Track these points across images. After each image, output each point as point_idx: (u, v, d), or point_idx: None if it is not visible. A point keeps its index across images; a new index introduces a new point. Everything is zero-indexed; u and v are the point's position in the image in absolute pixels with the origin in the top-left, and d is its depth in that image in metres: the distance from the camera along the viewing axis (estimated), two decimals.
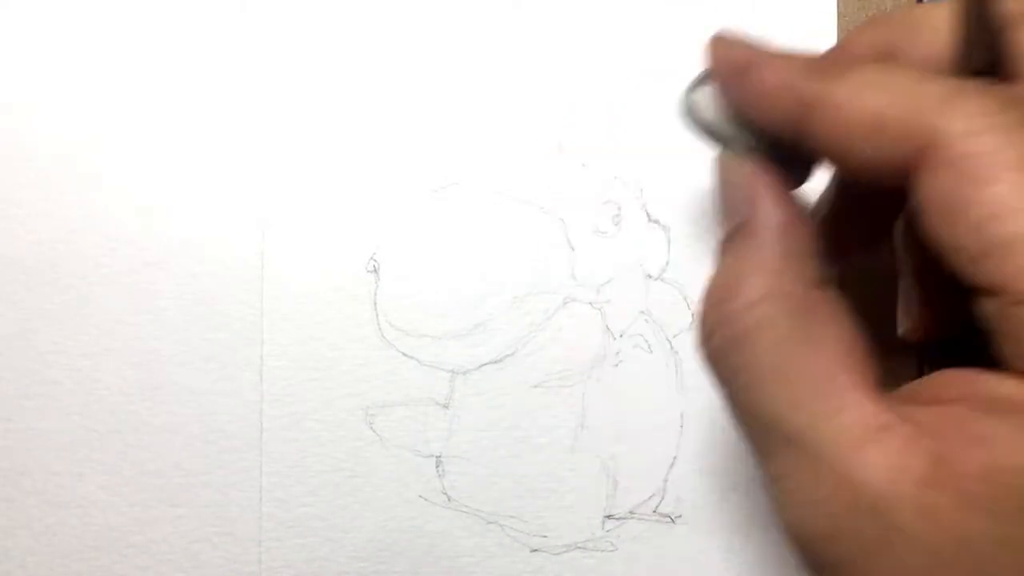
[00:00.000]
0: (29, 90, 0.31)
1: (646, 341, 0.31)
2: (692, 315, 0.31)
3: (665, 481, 0.31)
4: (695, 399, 0.31)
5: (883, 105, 0.21)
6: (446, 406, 0.31)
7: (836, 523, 0.20)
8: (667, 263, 0.31)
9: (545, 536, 0.31)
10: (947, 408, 0.21)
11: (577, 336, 0.31)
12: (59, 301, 0.31)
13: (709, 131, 0.25)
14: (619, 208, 0.31)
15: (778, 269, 0.22)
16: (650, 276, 0.31)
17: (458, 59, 0.31)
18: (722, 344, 0.22)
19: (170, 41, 0.31)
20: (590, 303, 0.31)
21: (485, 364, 0.31)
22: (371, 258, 0.31)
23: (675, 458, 0.31)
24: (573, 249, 0.31)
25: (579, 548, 0.31)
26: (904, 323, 0.27)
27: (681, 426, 0.31)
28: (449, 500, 0.31)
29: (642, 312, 0.31)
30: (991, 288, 0.20)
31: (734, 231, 0.23)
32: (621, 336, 0.31)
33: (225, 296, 0.31)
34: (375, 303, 0.31)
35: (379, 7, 0.31)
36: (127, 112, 0.31)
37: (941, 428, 0.20)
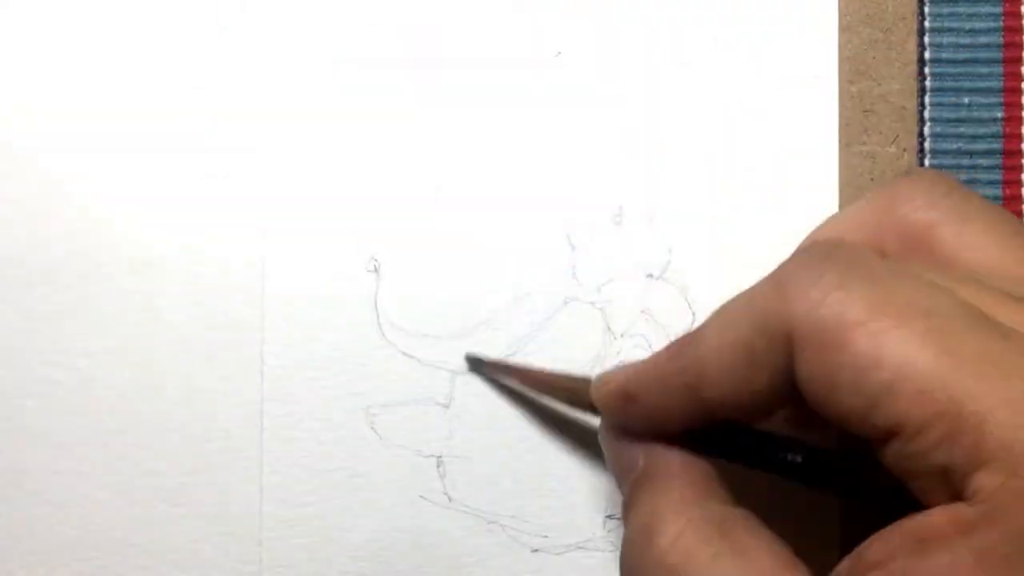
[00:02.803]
0: (29, 90, 0.31)
1: (647, 341, 0.31)
2: (693, 315, 0.31)
3: None
4: None
5: (738, 333, 0.22)
6: (447, 406, 0.31)
7: None
8: (668, 263, 0.31)
9: (546, 536, 0.31)
10: (886, 569, 0.20)
11: (578, 336, 0.31)
12: (59, 301, 0.31)
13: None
14: (620, 207, 0.31)
15: (689, 499, 0.23)
16: (651, 276, 0.31)
17: (458, 59, 0.31)
18: None
19: (170, 41, 0.31)
20: (591, 303, 0.31)
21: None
22: (371, 258, 0.31)
23: None
24: (574, 249, 0.31)
25: (580, 548, 0.31)
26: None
27: None
28: (450, 500, 0.31)
29: (643, 312, 0.31)
30: (888, 433, 0.20)
31: (632, 488, 0.25)
32: (622, 336, 0.31)
33: (225, 296, 0.31)
34: (375, 303, 0.31)
35: (379, 8, 0.31)
36: (127, 112, 0.31)
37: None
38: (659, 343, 0.31)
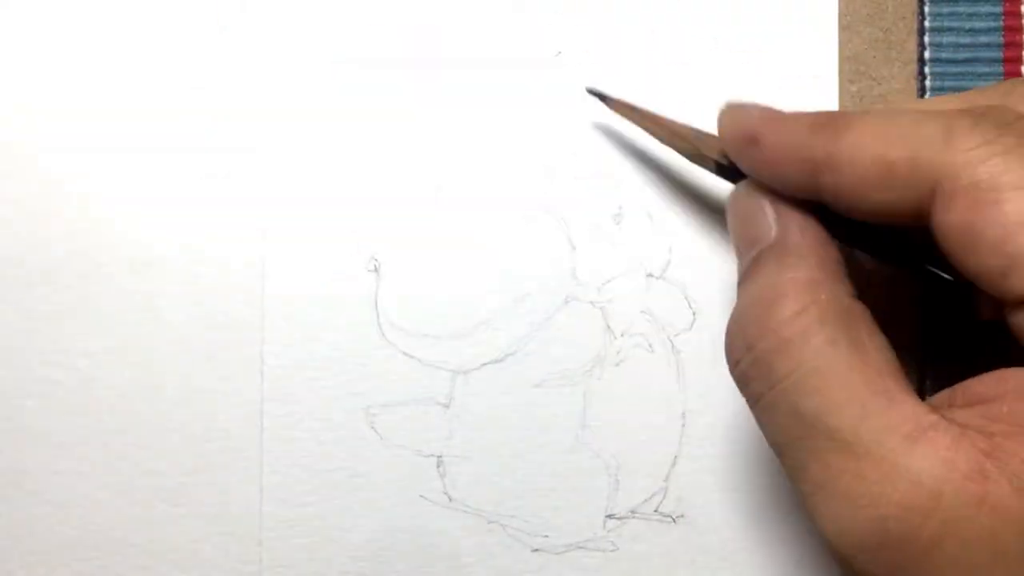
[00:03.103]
0: (29, 90, 0.31)
1: (647, 340, 0.31)
2: (693, 314, 0.31)
3: (667, 481, 0.31)
4: (697, 398, 0.31)
5: (889, 152, 0.22)
6: (447, 406, 0.31)
7: (887, 525, 0.20)
8: (668, 262, 0.31)
9: (546, 536, 0.31)
10: (990, 406, 0.21)
11: (578, 335, 0.31)
12: (59, 301, 0.31)
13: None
14: (620, 207, 0.31)
15: (816, 281, 0.23)
16: (651, 275, 0.31)
17: (458, 58, 0.31)
18: (765, 354, 0.22)
19: (170, 41, 0.31)
20: (591, 302, 0.31)
21: (486, 364, 0.31)
22: (371, 258, 0.31)
23: (676, 457, 0.31)
24: (574, 248, 0.31)
25: (580, 548, 0.31)
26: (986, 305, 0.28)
27: (683, 425, 0.31)
28: (450, 500, 0.31)
29: (643, 311, 0.31)
30: (1019, 300, 0.20)
31: (759, 257, 0.24)
32: (622, 335, 0.31)
33: (225, 296, 0.31)
34: (376, 303, 0.31)
35: (379, 8, 0.31)
36: (128, 112, 0.31)
37: (986, 424, 0.21)
38: (659, 343, 0.31)
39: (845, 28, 0.31)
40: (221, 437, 0.31)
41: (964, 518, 0.20)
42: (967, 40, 0.31)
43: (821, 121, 0.23)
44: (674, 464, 0.31)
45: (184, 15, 0.31)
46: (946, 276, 0.24)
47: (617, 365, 0.31)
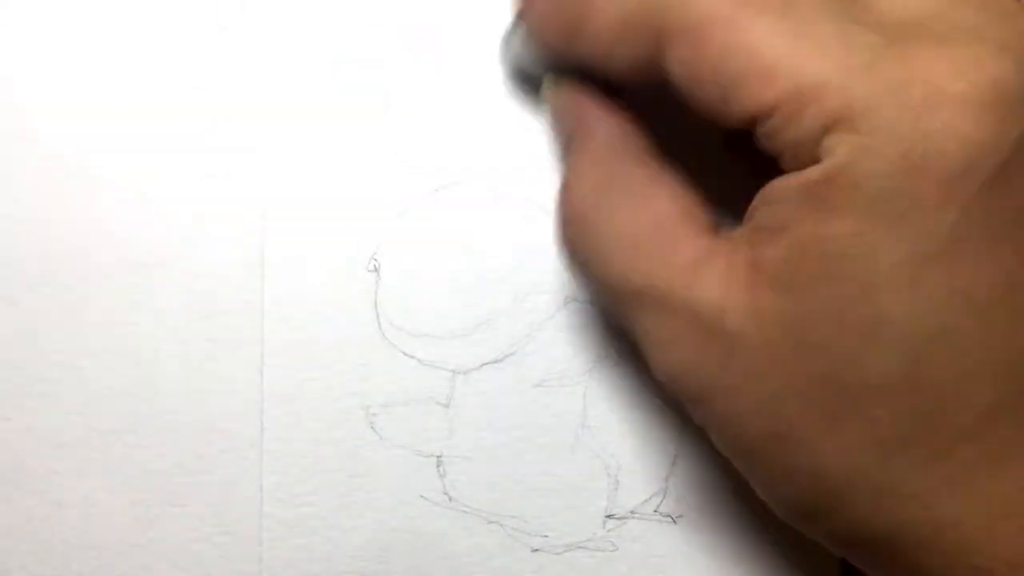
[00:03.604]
0: (28, 90, 0.31)
1: None
2: None
3: (667, 481, 0.31)
4: None
5: (625, 6, 0.23)
6: (447, 405, 0.31)
7: (691, 356, 0.22)
8: None
9: (546, 536, 0.31)
10: (750, 222, 0.23)
11: (578, 335, 0.31)
12: (59, 301, 0.31)
13: (523, 74, 0.29)
14: None
15: (609, 157, 0.25)
16: None
17: (458, 58, 0.31)
18: (572, 234, 0.25)
19: (169, 39, 0.31)
20: (591, 302, 0.31)
21: (486, 363, 0.31)
22: (371, 258, 0.31)
23: (676, 457, 0.31)
24: None
25: (580, 548, 0.31)
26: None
27: (683, 425, 0.31)
28: (450, 500, 0.31)
29: None
30: (748, 120, 0.22)
31: (568, 142, 0.27)
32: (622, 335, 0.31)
33: (225, 296, 0.31)
34: (375, 303, 0.31)
35: (379, 8, 0.31)
36: (127, 111, 0.31)
37: (751, 236, 0.22)
38: None
39: None
40: (221, 437, 0.31)
41: (743, 331, 0.21)
42: None
43: None
44: (674, 464, 0.31)
45: (184, 15, 0.31)
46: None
47: (617, 365, 0.31)
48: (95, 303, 0.31)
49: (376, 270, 0.31)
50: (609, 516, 0.31)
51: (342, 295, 0.31)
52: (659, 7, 0.22)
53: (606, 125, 0.26)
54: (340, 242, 0.31)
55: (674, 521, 0.31)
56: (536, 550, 0.31)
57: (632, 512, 0.31)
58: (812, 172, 0.21)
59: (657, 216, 0.24)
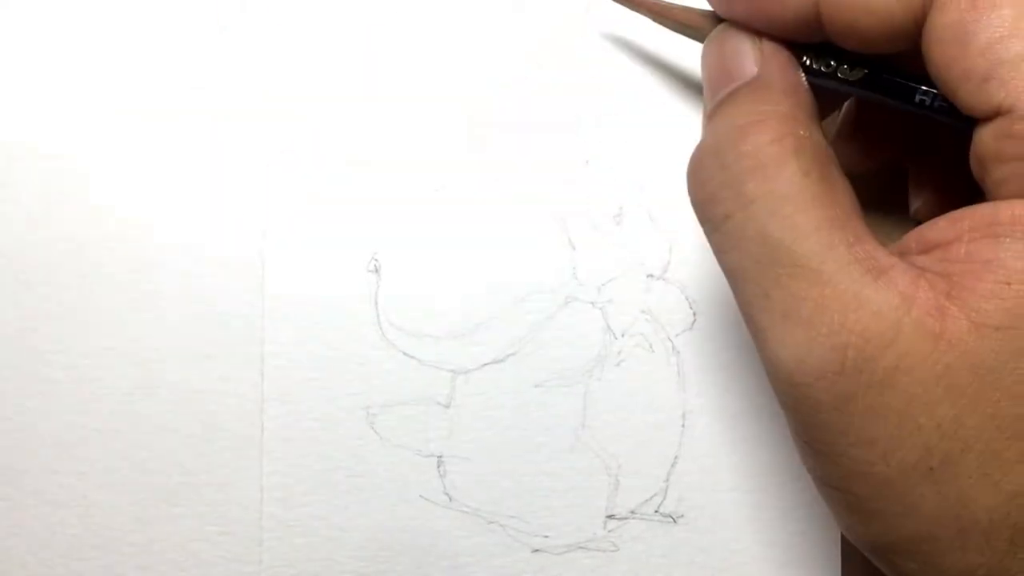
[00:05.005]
0: (29, 90, 0.31)
1: (647, 340, 0.31)
2: (693, 314, 0.31)
3: (667, 481, 0.31)
4: (697, 398, 0.31)
5: None
6: (447, 406, 0.31)
7: (846, 354, 0.20)
8: (668, 262, 0.31)
9: (546, 536, 0.31)
10: (946, 249, 0.21)
11: (578, 336, 0.31)
12: (59, 301, 0.31)
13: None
14: (620, 207, 0.31)
15: (795, 117, 0.22)
16: (651, 275, 0.31)
17: (458, 58, 0.31)
18: (738, 174, 0.22)
19: (169, 40, 0.31)
20: (591, 302, 0.31)
21: (486, 364, 0.31)
22: (372, 258, 0.31)
23: (677, 457, 0.31)
24: (574, 248, 0.31)
25: (581, 548, 0.31)
26: (915, 202, 0.27)
27: (683, 425, 0.31)
28: (450, 500, 0.31)
29: (643, 311, 0.31)
30: (997, 109, 0.20)
31: (734, 92, 0.23)
32: (622, 335, 0.31)
33: (225, 296, 0.31)
34: (376, 303, 0.31)
35: (379, 8, 0.31)
36: (127, 112, 0.31)
37: (945, 266, 0.20)
38: (659, 343, 0.31)
39: None
40: (221, 437, 0.31)
41: (921, 352, 0.20)
42: None
43: None
44: (674, 464, 0.31)
45: (184, 15, 0.31)
46: (936, 111, 0.24)
47: (617, 365, 0.31)
48: (95, 303, 0.31)
49: (376, 270, 0.31)
50: (609, 516, 0.31)
51: (342, 295, 0.31)
52: None
53: (792, 84, 0.23)
54: (340, 242, 0.31)
55: (674, 521, 0.31)
56: (536, 550, 0.31)
57: (632, 512, 0.31)
58: None
59: (844, 203, 0.21)
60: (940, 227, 0.21)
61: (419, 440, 0.31)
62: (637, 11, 0.27)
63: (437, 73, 0.31)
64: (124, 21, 0.31)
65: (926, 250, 0.21)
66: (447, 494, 0.31)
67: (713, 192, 0.23)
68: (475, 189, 0.31)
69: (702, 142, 0.23)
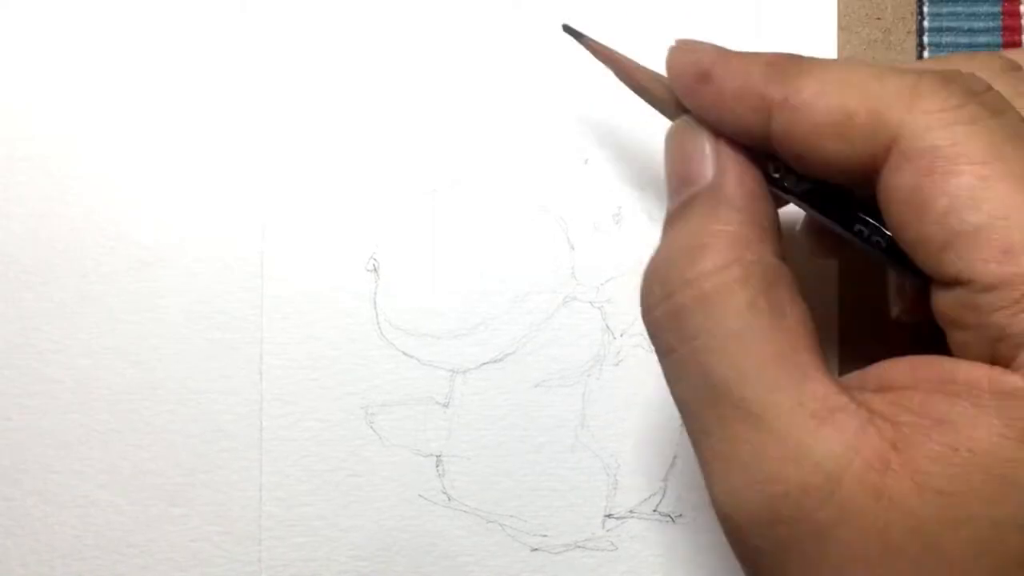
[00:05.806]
0: (29, 89, 0.31)
1: (647, 341, 0.31)
2: None
3: (665, 480, 0.31)
4: None
5: (850, 102, 0.21)
6: (446, 405, 0.31)
7: (782, 504, 0.20)
8: None
9: (545, 535, 0.31)
10: (901, 394, 0.20)
11: (577, 335, 0.31)
12: (59, 301, 0.31)
13: None
14: (620, 207, 0.31)
15: (745, 236, 0.22)
16: None
17: (457, 58, 0.31)
18: (682, 306, 0.21)
19: (169, 40, 0.31)
20: (590, 302, 0.31)
21: (485, 363, 0.31)
22: (371, 257, 0.31)
23: (675, 457, 0.31)
24: (573, 248, 0.31)
25: (579, 547, 0.31)
26: (897, 305, 0.26)
27: (681, 425, 0.31)
28: (449, 499, 0.31)
29: None
30: (955, 278, 0.19)
31: (690, 200, 0.23)
32: (621, 335, 0.31)
33: (225, 295, 0.31)
34: (375, 302, 0.31)
35: (378, 6, 0.31)
36: (127, 111, 0.31)
37: (896, 413, 0.20)
38: None
39: (844, 28, 0.31)
40: (221, 437, 0.31)
41: (860, 508, 0.19)
42: (966, 40, 0.31)
43: (779, 62, 0.22)
44: (673, 464, 0.31)
45: (185, 15, 0.31)
46: (873, 246, 0.23)
47: (616, 365, 0.31)
48: (95, 303, 0.31)
49: (376, 270, 0.31)
50: (608, 516, 0.31)
51: (342, 295, 0.31)
52: (896, 116, 0.20)
53: (748, 195, 0.22)
54: (340, 242, 0.31)
55: (673, 521, 0.31)
56: (535, 549, 0.31)
57: (631, 512, 0.31)
58: (1011, 380, 0.19)
59: (790, 335, 0.21)
60: (900, 370, 0.21)
61: (418, 440, 0.31)
62: (605, 64, 0.27)
63: (437, 73, 0.31)
64: (124, 21, 0.31)
65: (881, 389, 0.21)
66: (446, 493, 0.31)
67: (658, 320, 0.22)
68: (474, 189, 0.31)
69: (656, 253, 0.23)
